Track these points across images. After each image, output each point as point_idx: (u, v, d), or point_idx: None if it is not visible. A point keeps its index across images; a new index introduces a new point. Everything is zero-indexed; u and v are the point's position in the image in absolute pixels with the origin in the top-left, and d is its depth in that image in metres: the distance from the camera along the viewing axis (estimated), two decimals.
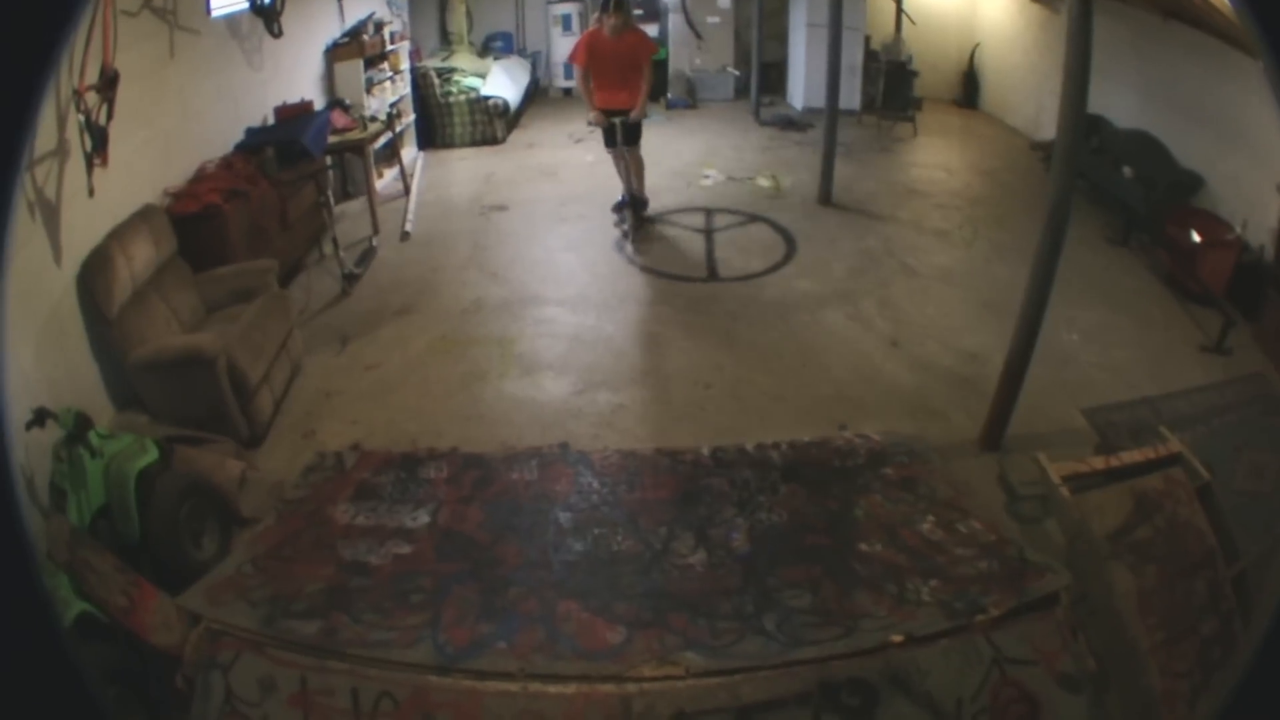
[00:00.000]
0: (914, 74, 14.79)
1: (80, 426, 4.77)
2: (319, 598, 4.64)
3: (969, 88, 15.94)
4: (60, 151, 5.72)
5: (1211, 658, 4.04)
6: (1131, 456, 4.72)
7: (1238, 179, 8.35)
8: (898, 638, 4.22)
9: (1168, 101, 9.71)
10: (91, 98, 5.88)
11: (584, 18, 17.14)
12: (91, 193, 5.92)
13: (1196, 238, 8.07)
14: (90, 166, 5.91)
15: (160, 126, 7.32)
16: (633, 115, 9.79)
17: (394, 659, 4.23)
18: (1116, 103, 10.32)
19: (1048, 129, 10.68)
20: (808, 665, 4.15)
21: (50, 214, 5.59)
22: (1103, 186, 10.09)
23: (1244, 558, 4.31)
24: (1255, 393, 5.99)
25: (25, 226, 5.31)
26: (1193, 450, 4.67)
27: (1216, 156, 8.75)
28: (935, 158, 13.18)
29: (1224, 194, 8.63)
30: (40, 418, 4.63)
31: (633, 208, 10.28)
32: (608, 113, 9.82)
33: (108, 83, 5.99)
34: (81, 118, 5.79)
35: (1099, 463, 4.74)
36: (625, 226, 10.15)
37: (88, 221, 5.98)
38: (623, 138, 9.93)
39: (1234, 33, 7.04)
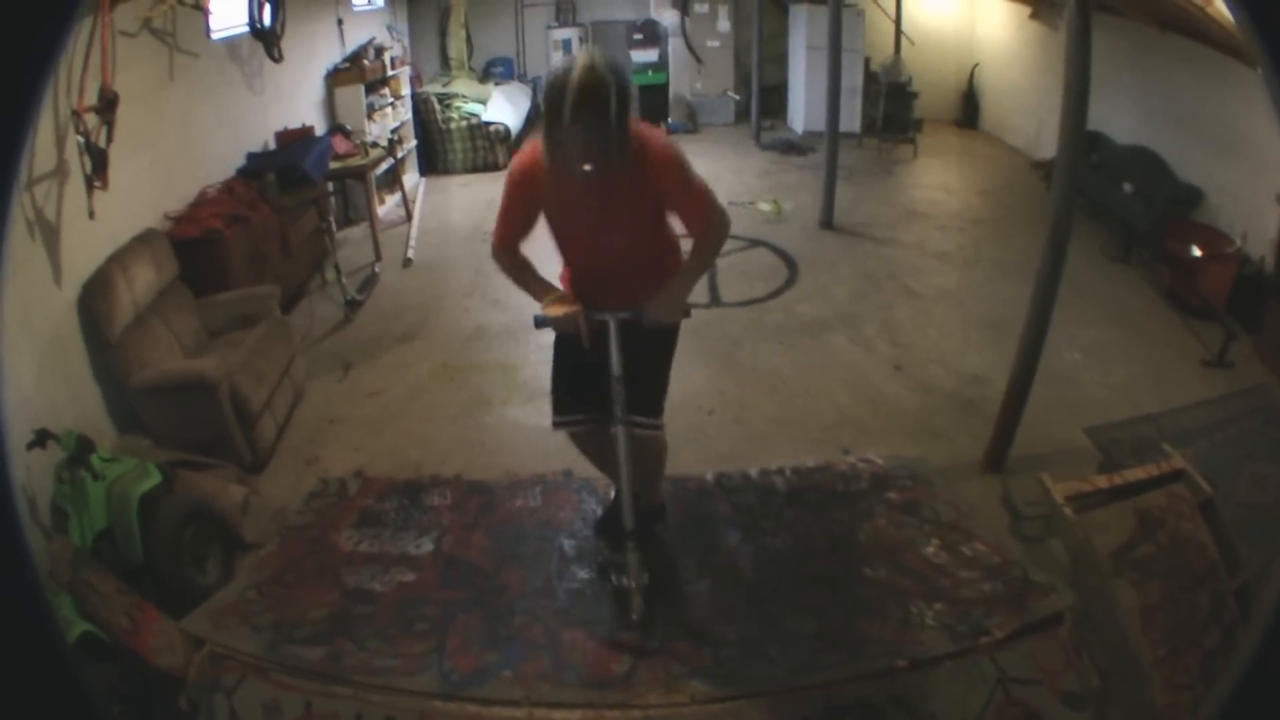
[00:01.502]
0: (914, 95, 14.82)
1: (81, 449, 4.78)
2: (323, 624, 4.65)
3: (969, 108, 16.01)
4: (60, 172, 5.73)
5: (1214, 669, 4.04)
6: (1134, 474, 4.72)
7: (1237, 190, 8.38)
8: (902, 661, 4.22)
9: (1166, 115, 9.76)
10: (91, 119, 5.90)
11: (585, 43, 17.25)
12: (92, 215, 5.93)
13: (1196, 252, 8.10)
14: (90, 189, 5.91)
15: (160, 149, 7.33)
16: (648, 315, 4.36)
17: (399, 686, 4.24)
18: (1116, 118, 10.36)
19: (1048, 147, 10.74)
20: (813, 690, 4.15)
21: (50, 235, 5.61)
22: (1103, 203, 10.09)
23: (1247, 569, 4.31)
24: (1257, 404, 6.01)
25: (25, 246, 5.34)
26: (1196, 465, 4.67)
27: (1216, 168, 8.79)
28: (936, 179, 13.20)
29: (1223, 206, 8.66)
30: (41, 439, 4.64)
31: (636, 529, 4.68)
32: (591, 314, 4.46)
33: (107, 104, 6.00)
34: (80, 139, 5.80)
35: (1102, 481, 4.73)
36: (624, 579, 4.67)
37: (88, 244, 6.00)
38: (618, 384, 4.47)
39: (1232, 42, 7.05)
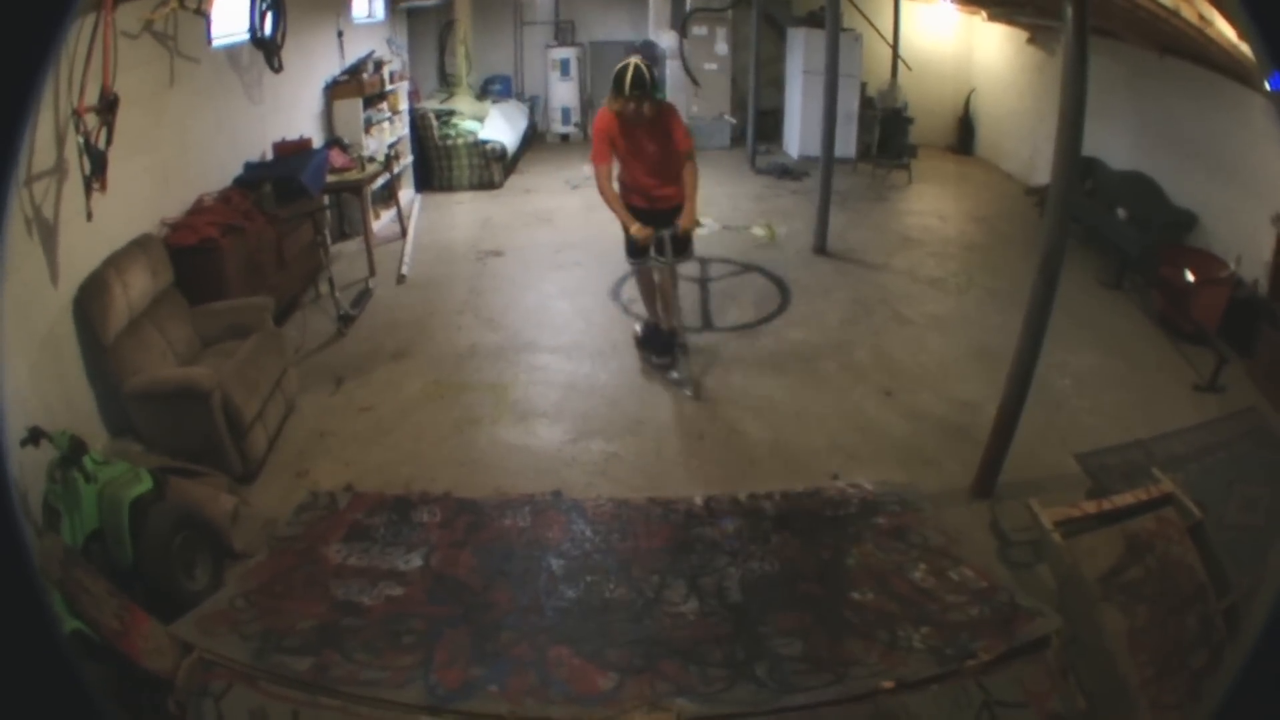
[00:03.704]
0: (909, 121, 14.91)
1: (75, 450, 4.78)
2: (311, 634, 4.64)
3: (964, 134, 16.13)
4: (58, 171, 5.74)
5: (1202, 689, 4.05)
6: (1124, 499, 4.73)
7: (1232, 213, 8.47)
8: (888, 684, 4.23)
9: (1162, 139, 9.85)
10: (91, 120, 5.89)
11: (582, 63, 17.37)
12: (90, 217, 5.91)
13: (1190, 277, 8.16)
14: (89, 190, 5.90)
15: (159, 155, 7.34)
16: (683, 224, 7.37)
17: (385, 698, 4.23)
18: (1111, 143, 10.44)
19: (1042, 173, 10.80)
20: (799, 712, 4.15)
21: (48, 234, 5.62)
22: (1097, 229, 10.18)
23: (1236, 590, 4.32)
24: (1247, 427, 6.02)
25: (23, 244, 5.35)
26: (1185, 488, 4.69)
27: (1211, 191, 8.88)
28: (930, 205, 13.29)
29: (1218, 230, 8.75)
30: (35, 437, 4.64)
31: (670, 342, 7.94)
32: (650, 215, 7.46)
33: (107, 106, 5.98)
34: (80, 139, 5.79)
35: (1091, 507, 4.75)
36: (677, 373, 7.73)
37: (85, 246, 6.00)
38: (674, 249, 7.58)
39: (1231, 64, 7.06)
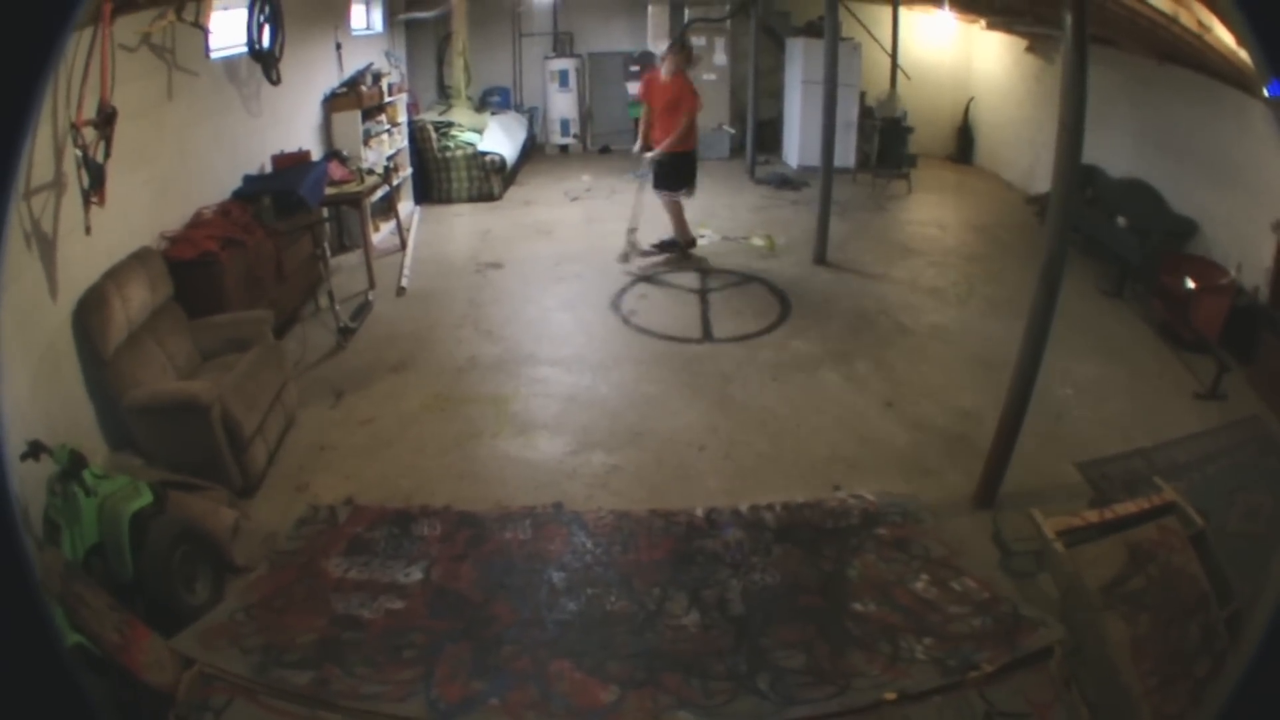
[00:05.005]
0: (909, 130, 14.86)
1: (75, 464, 4.76)
2: (311, 649, 4.65)
3: (964, 143, 16.12)
4: (57, 184, 5.70)
5: (1205, 697, 4.05)
6: (1126, 508, 4.73)
7: (1232, 220, 8.44)
8: (891, 695, 4.22)
9: (1162, 146, 9.85)
10: (89, 133, 5.85)
11: (581, 75, 17.39)
12: (88, 230, 5.89)
13: (1190, 285, 8.13)
14: (87, 204, 5.87)
15: (158, 168, 7.29)
16: (653, 153, 10.86)
17: (386, 712, 4.23)
18: (1111, 151, 10.45)
19: (1042, 182, 10.82)
20: None
21: (46, 247, 5.58)
22: (1097, 238, 10.16)
23: (1238, 599, 4.31)
24: (1249, 435, 6.02)
25: (22, 257, 5.30)
26: (1187, 497, 4.69)
27: (1211, 198, 8.85)
28: (930, 215, 13.25)
29: (1218, 237, 8.72)
30: (35, 451, 4.62)
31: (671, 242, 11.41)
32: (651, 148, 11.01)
33: (105, 119, 5.95)
34: (78, 153, 5.75)
35: (1093, 516, 4.74)
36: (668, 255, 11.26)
37: (84, 259, 5.96)
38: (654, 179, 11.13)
39: (1230, 71, 7.04)
